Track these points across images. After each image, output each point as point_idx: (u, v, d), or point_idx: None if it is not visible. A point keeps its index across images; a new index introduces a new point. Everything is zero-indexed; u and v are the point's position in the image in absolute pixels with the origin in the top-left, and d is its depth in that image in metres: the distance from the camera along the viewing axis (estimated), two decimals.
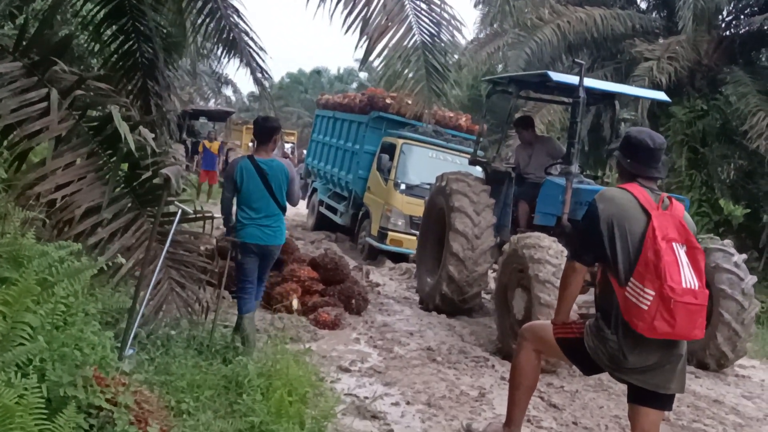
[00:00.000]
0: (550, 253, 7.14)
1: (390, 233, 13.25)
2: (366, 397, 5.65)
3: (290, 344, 5.69)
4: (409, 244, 12.75)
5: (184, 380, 4.26)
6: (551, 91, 9.67)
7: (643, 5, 19.77)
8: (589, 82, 8.40)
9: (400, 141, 13.75)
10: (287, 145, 32.93)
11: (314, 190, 18.25)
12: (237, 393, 4.45)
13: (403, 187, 13.40)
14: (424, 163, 13.44)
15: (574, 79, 8.17)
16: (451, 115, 15.44)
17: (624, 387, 4.15)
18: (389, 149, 13.92)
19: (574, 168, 8.12)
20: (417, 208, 12.58)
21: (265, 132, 5.98)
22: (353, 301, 8.66)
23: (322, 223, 16.91)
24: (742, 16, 17.37)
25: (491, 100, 12.35)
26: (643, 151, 3.81)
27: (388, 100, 14.23)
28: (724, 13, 17.67)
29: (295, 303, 8.19)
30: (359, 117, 15.42)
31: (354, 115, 15.79)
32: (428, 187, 12.65)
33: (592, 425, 5.81)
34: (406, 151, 13.65)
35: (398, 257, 13.30)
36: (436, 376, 6.59)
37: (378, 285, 10.92)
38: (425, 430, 5.24)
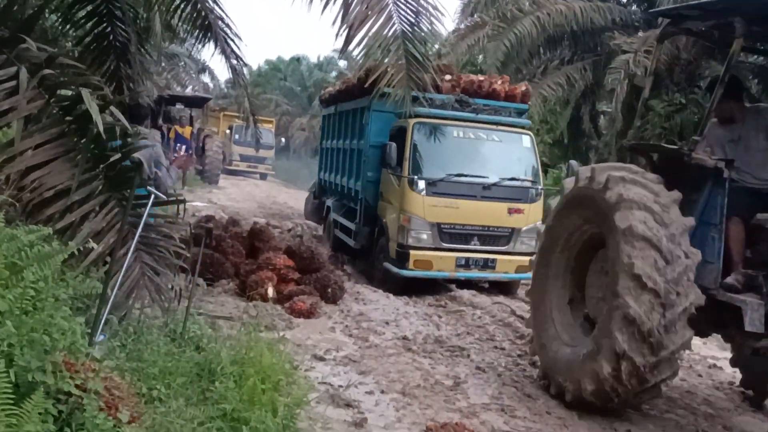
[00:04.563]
0: None
1: (412, 252, 9.72)
2: (340, 386, 5.65)
3: (265, 332, 5.66)
4: (442, 264, 9.78)
5: (156, 367, 4.21)
6: None
7: None
8: None
9: (411, 121, 9.95)
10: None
11: (328, 209, 13.98)
12: (209, 380, 4.42)
13: (422, 184, 9.79)
14: (450, 147, 10.12)
15: None
16: (481, 79, 11.24)
17: None
18: (399, 135, 10.26)
19: None
20: (448, 212, 9.78)
21: (135, 118, 6.12)
22: (329, 289, 8.66)
23: (340, 249, 12.58)
24: None
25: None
26: None
27: (389, 69, 9.91)
28: None
29: (270, 291, 8.18)
30: (361, 101, 11.78)
31: (355, 100, 12.21)
32: (457, 180, 9.88)
33: (564, 415, 5.84)
34: (421, 134, 10.02)
35: (432, 285, 10.05)
36: (411, 365, 6.60)
37: None
38: (399, 419, 5.24)
